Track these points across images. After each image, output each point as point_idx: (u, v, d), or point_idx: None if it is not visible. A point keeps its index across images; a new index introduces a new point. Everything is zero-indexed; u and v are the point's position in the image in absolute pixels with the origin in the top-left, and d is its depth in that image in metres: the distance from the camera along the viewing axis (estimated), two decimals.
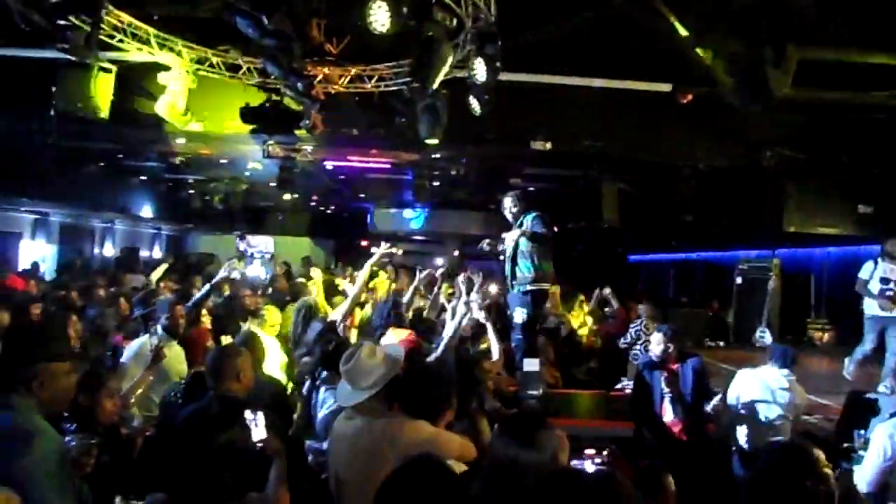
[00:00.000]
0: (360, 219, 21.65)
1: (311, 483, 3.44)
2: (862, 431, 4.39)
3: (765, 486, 2.33)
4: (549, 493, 1.09)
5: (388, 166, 11.92)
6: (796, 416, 5.16)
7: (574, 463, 1.98)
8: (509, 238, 6.18)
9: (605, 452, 1.99)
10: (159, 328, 4.89)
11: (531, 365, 3.31)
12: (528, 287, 6.05)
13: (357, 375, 3.04)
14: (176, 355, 4.77)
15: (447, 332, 4.70)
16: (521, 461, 2.13)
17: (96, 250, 18.96)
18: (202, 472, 2.15)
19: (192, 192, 19.63)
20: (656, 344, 5.31)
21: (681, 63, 6.84)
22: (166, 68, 6.53)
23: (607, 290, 8.70)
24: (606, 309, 8.97)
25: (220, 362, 3.43)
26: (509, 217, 6.34)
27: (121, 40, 5.89)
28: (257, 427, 2.50)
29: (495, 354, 4.93)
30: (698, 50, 6.16)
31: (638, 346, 7.52)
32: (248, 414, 2.48)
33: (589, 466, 1.96)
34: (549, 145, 9.35)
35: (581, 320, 8.49)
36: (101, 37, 5.50)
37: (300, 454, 3.66)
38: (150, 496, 2.42)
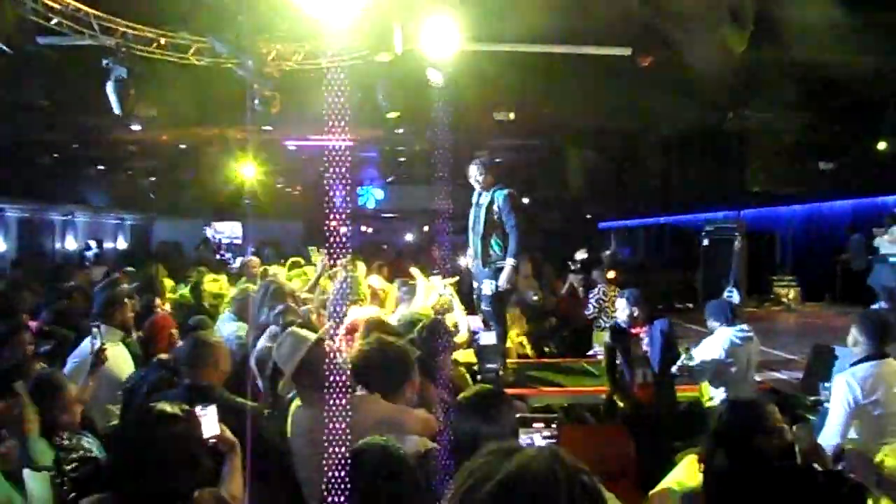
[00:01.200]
0: (327, 199, 21.45)
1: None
2: (827, 384, 4.43)
3: (718, 442, 2.32)
4: (484, 472, 1.04)
5: (350, 144, 11.75)
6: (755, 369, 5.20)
7: (522, 437, 1.96)
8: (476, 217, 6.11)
9: (553, 425, 1.97)
10: (101, 326, 4.59)
11: (488, 338, 3.28)
12: (500, 263, 6.00)
13: (282, 364, 3.04)
14: (121, 354, 4.36)
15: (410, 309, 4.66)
16: (481, 435, 2.12)
17: (57, 244, 18.51)
18: (153, 467, 2.07)
19: (153, 179, 19.25)
20: (621, 310, 5.33)
21: (639, 26, 6.78)
22: (111, 52, 6.28)
23: (572, 277, 8.73)
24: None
25: (195, 351, 3.34)
26: (476, 186, 6.23)
27: (59, 23, 5.64)
28: (209, 421, 2.42)
29: (462, 330, 4.93)
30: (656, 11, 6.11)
31: (602, 314, 7.59)
32: (198, 409, 2.40)
33: (538, 440, 1.93)
34: (511, 115, 9.29)
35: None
36: (38, 20, 5.26)
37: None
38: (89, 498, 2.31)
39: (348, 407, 2.81)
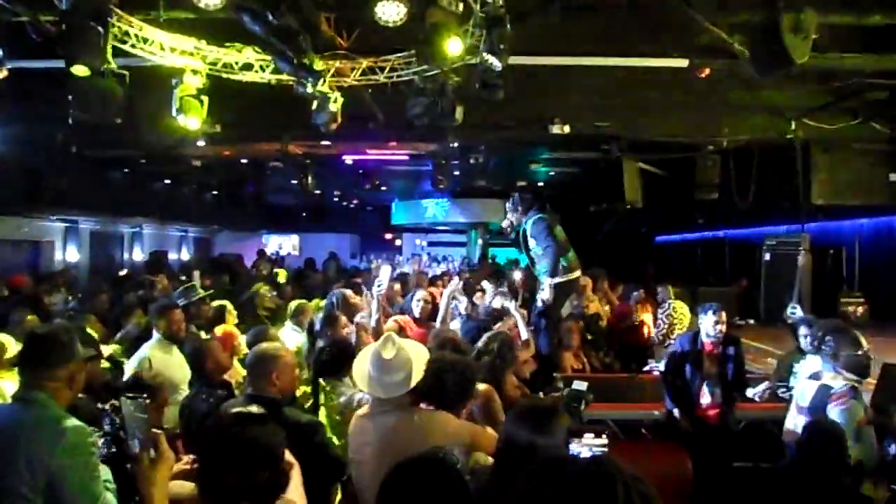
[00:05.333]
0: (382, 212, 21.74)
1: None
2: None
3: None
4: (540, 481, 1.06)
5: (406, 158, 11.90)
6: None
7: (573, 447, 1.96)
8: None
9: (604, 436, 1.96)
10: (155, 334, 4.76)
11: (580, 385, 3.19)
12: (558, 280, 6.14)
13: (394, 368, 3.02)
14: (176, 361, 4.61)
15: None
16: (537, 446, 2.14)
17: (125, 255, 19.29)
18: (238, 466, 2.15)
19: (216, 193, 19.85)
20: (713, 324, 5.12)
21: (697, 36, 6.70)
22: (180, 71, 6.55)
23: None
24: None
25: (254, 363, 3.42)
26: (512, 220, 6.46)
27: (133, 45, 5.93)
28: None
29: (524, 335, 5.05)
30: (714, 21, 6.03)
31: (672, 330, 7.44)
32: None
33: (587, 451, 1.93)
34: (567, 128, 9.24)
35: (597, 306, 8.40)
36: (113, 42, 5.53)
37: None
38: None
39: (423, 419, 2.89)
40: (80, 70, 5.04)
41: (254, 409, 2.36)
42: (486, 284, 6.92)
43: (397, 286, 8.00)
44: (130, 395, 2.22)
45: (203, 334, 5.41)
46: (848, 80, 7.89)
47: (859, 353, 3.88)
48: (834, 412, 3.63)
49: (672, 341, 7.13)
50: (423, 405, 3.04)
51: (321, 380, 4.16)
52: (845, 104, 8.64)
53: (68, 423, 2.49)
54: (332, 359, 4.10)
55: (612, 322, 8.13)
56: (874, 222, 12.48)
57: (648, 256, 17.55)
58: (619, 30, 7.09)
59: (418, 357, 3.10)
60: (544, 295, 6.16)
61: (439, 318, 5.29)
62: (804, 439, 3.28)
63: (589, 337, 7.19)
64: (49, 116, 7.82)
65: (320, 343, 4.63)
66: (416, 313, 6.04)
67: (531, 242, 6.22)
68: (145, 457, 2.12)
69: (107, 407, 3.31)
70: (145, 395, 2.23)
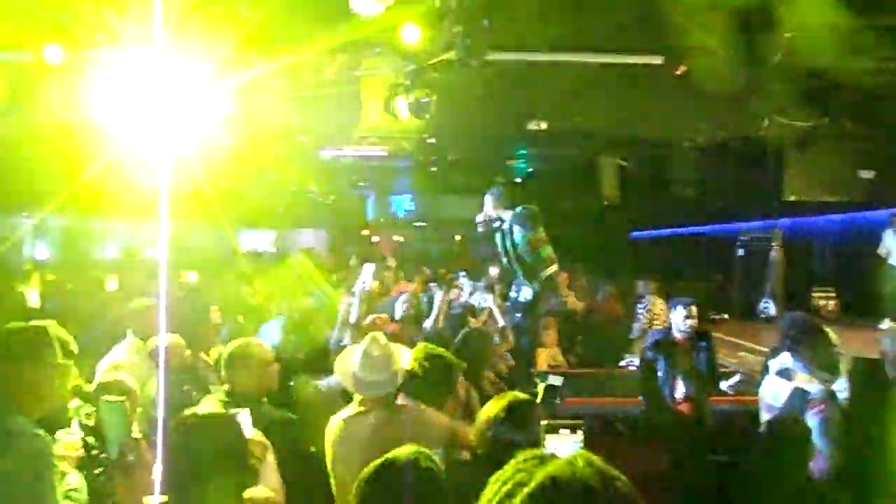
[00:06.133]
0: (359, 208, 21.62)
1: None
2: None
3: None
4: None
5: (383, 153, 11.82)
6: None
7: (549, 443, 1.96)
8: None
9: (579, 431, 1.97)
10: (129, 336, 4.59)
11: (556, 380, 3.21)
12: (544, 273, 6.09)
13: (380, 366, 3.02)
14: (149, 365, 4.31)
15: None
16: (516, 442, 2.15)
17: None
18: (207, 467, 2.11)
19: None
20: (683, 319, 5.15)
21: (672, 34, 6.73)
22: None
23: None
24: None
25: (230, 360, 3.41)
26: (491, 214, 6.34)
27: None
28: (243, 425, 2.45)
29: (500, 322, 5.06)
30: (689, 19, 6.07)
31: (652, 325, 7.49)
32: (232, 411, 2.44)
33: (564, 446, 1.94)
34: (544, 125, 9.26)
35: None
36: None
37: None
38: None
39: (409, 418, 2.89)
40: None
41: (217, 407, 2.33)
42: (462, 280, 6.86)
43: (376, 284, 7.94)
44: (110, 399, 2.17)
45: None
46: (820, 79, 7.99)
47: (832, 350, 3.78)
48: (813, 421, 3.47)
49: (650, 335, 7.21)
50: (401, 397, 3.04)
51: (295, 378, 4.12)
52: (817, 102, 8.75)
53: (23, 430, 2.32)
54: (309, 359, 4.07)
55: (584, 317, 8.19)
56: (845, 218, 12.69)
57: (625, 252, 17.64)
58: (595, 26, 7.11)
59: (401, 356, 3.11)
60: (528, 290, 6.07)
61: (431, 319, 5.21)
62: (763, 436, 3.28)
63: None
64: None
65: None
66: (399, 314, 5.95)
67: (516, 233, 6.06)
68: (124, 461, 2.07)
69: (80, 410, 3.24)
70: (124, 399, 2.18)
